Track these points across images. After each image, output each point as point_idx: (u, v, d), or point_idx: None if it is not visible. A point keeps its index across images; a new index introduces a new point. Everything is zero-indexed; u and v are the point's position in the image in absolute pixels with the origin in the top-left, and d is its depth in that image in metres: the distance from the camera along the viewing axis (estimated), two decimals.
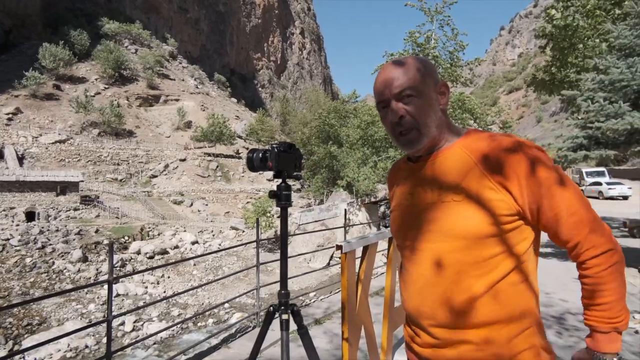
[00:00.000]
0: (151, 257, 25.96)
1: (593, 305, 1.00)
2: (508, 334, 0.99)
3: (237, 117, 71.29)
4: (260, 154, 1.56)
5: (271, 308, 1.61)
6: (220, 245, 28.85)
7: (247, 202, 38.38)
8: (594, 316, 1.00)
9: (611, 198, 25.19)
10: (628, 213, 16.38)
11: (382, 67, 1.11)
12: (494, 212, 0.98)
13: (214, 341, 4.36)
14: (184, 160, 47.63)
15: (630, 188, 25.33)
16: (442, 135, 1.10)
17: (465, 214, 0.99)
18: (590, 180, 28.61)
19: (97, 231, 28.17)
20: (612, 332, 0.98)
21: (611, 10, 10.27)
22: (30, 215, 29.88)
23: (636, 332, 4.12)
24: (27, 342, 13.79)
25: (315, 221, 27.77)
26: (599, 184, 26.86)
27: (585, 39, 11.36)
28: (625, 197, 25.00)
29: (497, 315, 0.99)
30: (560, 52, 12.22)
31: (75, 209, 32.29)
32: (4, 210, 29.62)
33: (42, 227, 26.92)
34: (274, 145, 1.56)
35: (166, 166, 45.84)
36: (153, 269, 4.39)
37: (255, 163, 1.56)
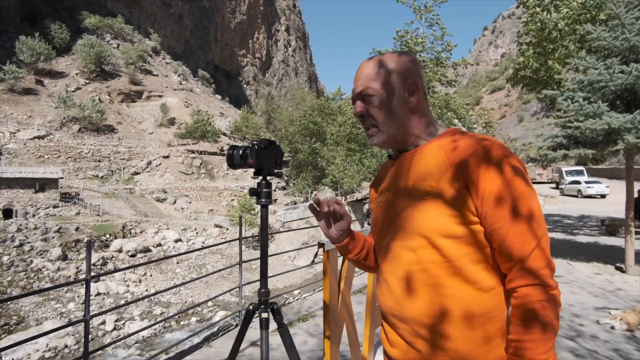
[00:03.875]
0: (133, 255, 25.58)
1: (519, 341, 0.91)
2: (475, 338, 0.96)
3: (222, 114, 70.67)
4: (240, 151, 1.54)
5: (251, 307, 1.59)
6: (203, 243, 28.60)
7: (232, 200, 38.09)
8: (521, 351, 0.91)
9: (589, 196, 25.83)
10: (606, 211, 16.79)
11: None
12: (460, 214, 0.96)
13: (196, 340, 4.32)
14: (167, 157, 46.97)
15: (607, 187, 26.00)
16: (413, 134, 1.09)
17: (433, 212, 0.98)
18: (569, 179, 29.25)
19: (77, 229, 27.59)
20: None
21: (596, 15, 10.37)
22: (7, 213, 29.09)
23: (612, 327, 4.23)
24: (3, 342, 13.45)
25: (300, 219, 27.79)
26: (578, 182, 27.49)
27: (568, 42, 11.54)
28: (603, 196, 25.66)
29: (464, 315, 0.96)
30: (543, 49, 12.37)
31: (55, 206, 31.54)
32: None
33: (20, 225, 26.24)
34: (254, 142, 1.54)
35: (149, 163, 45.13)
36: (134, 267, 4.32)
37: (236, 160, 1.54)
